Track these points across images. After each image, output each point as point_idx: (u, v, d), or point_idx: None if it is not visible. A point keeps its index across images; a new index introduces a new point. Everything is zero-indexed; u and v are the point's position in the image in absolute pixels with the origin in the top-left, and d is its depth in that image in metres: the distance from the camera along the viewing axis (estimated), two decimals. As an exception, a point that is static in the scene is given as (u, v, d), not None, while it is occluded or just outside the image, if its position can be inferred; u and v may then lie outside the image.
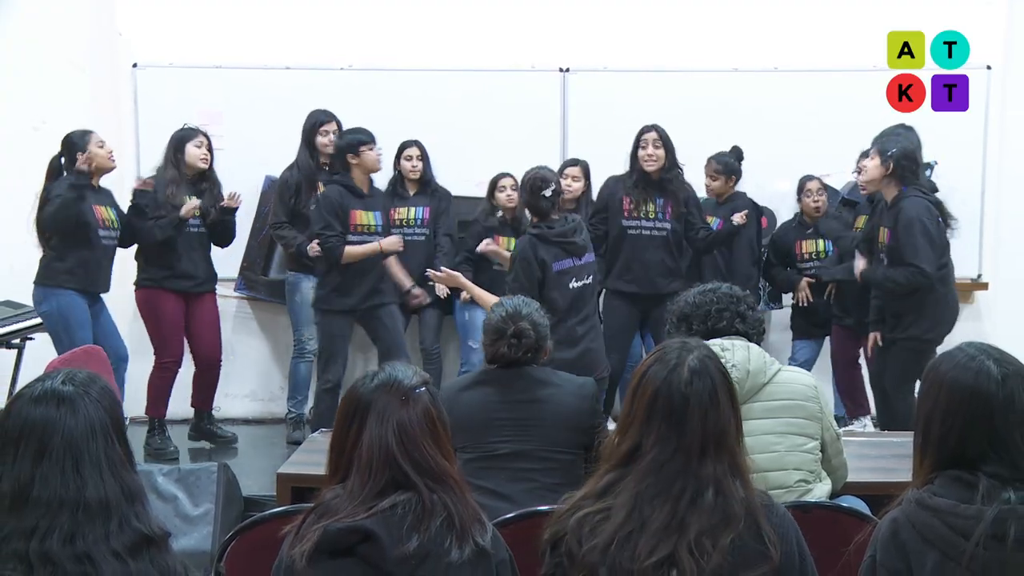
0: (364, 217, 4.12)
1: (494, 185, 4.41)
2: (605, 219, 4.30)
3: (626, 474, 1.60)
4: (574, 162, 4.52)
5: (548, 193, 3.54)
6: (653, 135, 4.19)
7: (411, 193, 4.54)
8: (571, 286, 3.55)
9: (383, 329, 4.24)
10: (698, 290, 2.45)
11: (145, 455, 4.22)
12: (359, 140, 4.09)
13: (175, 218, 4.10)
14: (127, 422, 4.20)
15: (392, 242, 4.14)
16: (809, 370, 4.32)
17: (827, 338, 4.52)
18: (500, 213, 4.42)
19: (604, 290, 4.29)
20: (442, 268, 3.97)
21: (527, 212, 3.73)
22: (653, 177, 4.21)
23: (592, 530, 1.55)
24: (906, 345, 3.80)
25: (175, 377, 4.33)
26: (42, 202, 3.94)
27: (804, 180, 4.46)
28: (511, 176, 4.38)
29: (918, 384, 3.80)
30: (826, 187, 4.46)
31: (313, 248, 4.11)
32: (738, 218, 4.27)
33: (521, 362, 2.52)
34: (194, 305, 4.30)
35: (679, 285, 4.09)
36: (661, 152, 4.18)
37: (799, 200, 4.50)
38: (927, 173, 4.18)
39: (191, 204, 4.13)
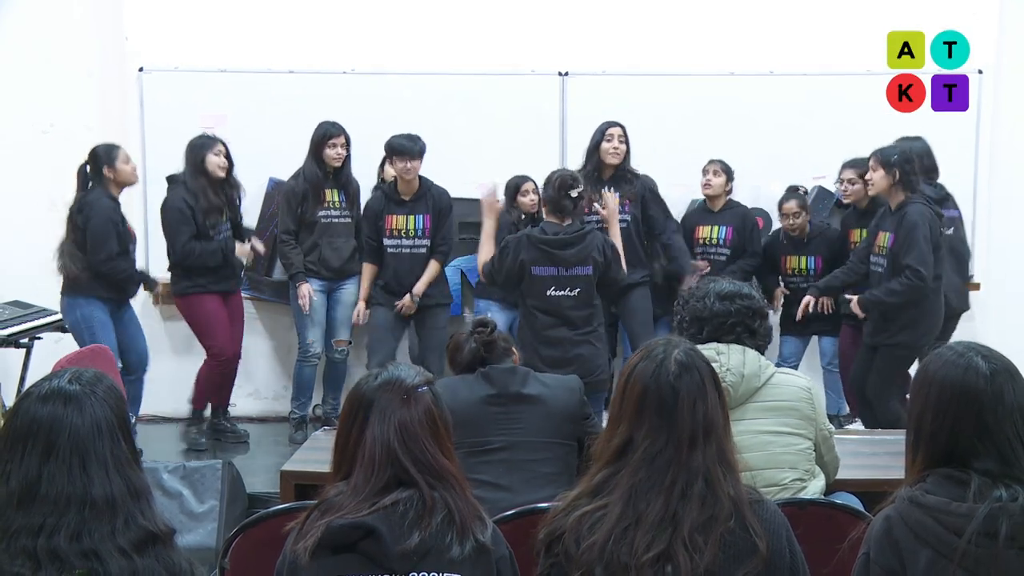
0: (398, 222, 4.25)
1: (516, 189, 4.43)
2: None
3: (619, 469, 1.61)
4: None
5: (574, 194, 3.57)
6: (619, 130, 4.26)
7: None
8: (549, 294, 3.57)
9: (426, 329, 4.36)
10: (718, 292, 2.42)
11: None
12: (390, 148, 4.23)
13: (228, 251, 4.26)
14: (134, 421, 4.29)
15: (360, 314, 4.37)
16: (797, 365, 4.37)
17: (814, 337, 4.55)
18: (523, 216, 4.45)
19: None
20: None
21: (545, 208, 3.75)
22: (609, 171, 4.26)
23: (590, 528, 1.57)
24: (892, 352, 3.84)
25: (224, 373, 4.42)
26: (76, 212, 4.03)
27: (782, 200, 4.43)
28: (532, 180, 4.42)
29: (901, 390, 3.84)
30: (806, 207, 4.44)
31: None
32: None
33: (492, 347, 2.58)
34: (228, 303, 4.41)
35: (640, 274, 4.20)
36: (624, 148, 4.26)
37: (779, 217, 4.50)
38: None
39: (246, 250, 4.36)
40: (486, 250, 3.77)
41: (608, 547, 1.54)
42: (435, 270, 4.33)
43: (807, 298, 4.26)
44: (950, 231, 4.18)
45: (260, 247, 4.56)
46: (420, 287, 4.29)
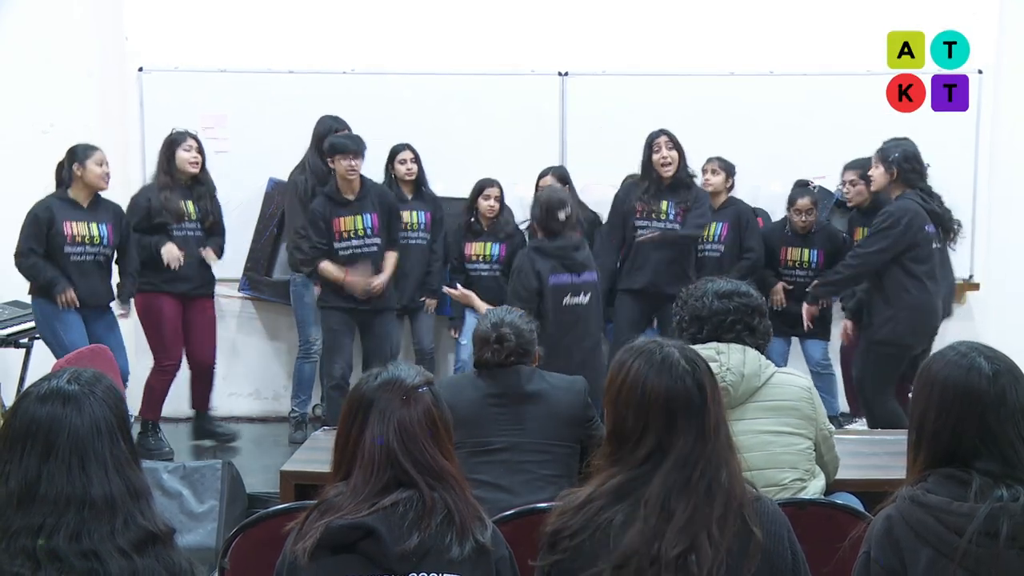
0: (347, 223, 4.18)
1: (479, 191, 4.45)
2: (621, 225, 4.33)
3: (644, 473, 1.60)
4: (546, 171, 4.53)
5: (562, 216, 3.57)
6: (665, 138, 4.24)
7: (409, 197, 4.57)
8: (565, 302, 3.57)
9: (371, 336, 4.30)
10: (716, 291, 2.42)
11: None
12: (332, 147, 4.15)
13: (150, 246, 4.13)
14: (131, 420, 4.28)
15: (354, 284, 4.16)
16: (783, 365, 4.37)
17: (795, 339, 4.54)
18: (474, 219, 4.45)
19: (617, 291, 4.33)
20: (457, 286, 4.10)
21: (537, 229, 3.76)
22: (667, 181, 4.25)
23: (621, 528, 1.55)
24: (880, 349, 3.84)
25: (173, 381, 4.36)
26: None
27: (795, 195, 4.44)
28: (497, 185, 4.44)
29: (900, 388, 3.85)
30: (818, 204, 4.44)
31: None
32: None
33: (506, 365, 2.58)
34: (191, 309, 4.33)
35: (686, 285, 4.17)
36: (675, 153, 4.25)
37: (788, 210, 4.49)
38: None
39: (173, 255, 4.14)
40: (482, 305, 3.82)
41: (640, 548, 1.53)
42: (395, 260, 4.28)
43: (809, 309, 4.27)
44: (959, 229, 4.18)
45: (211, 258, 4.36)
46: (387, 275, 4.23)
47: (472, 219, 4.47)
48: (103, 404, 1.50)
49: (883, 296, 3.82)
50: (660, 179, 4.25)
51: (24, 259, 3.93)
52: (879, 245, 3.75)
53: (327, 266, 4.20)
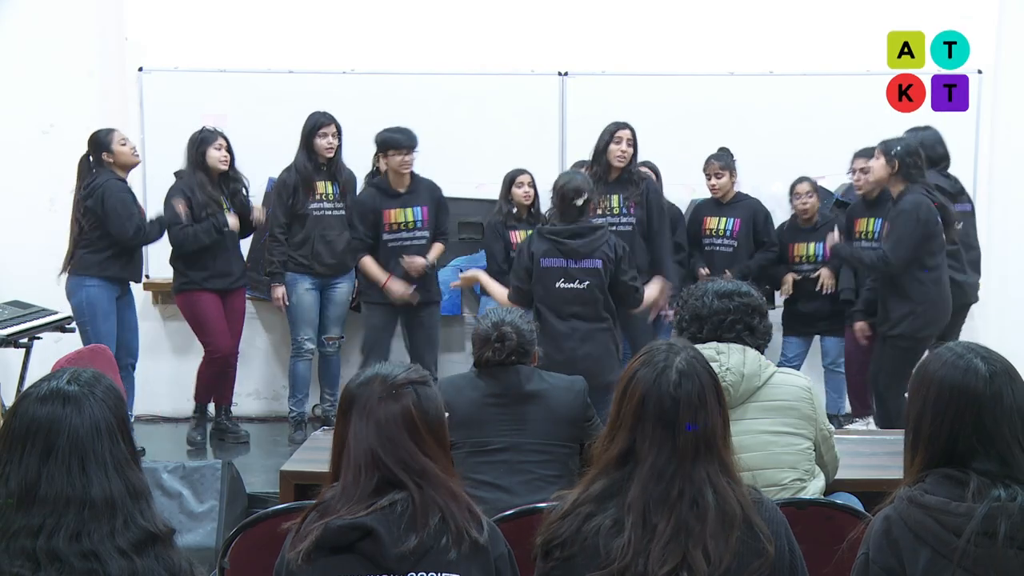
0: (398, 215, 4.23)
1: (512, 181, 4.45)
2: None
3: (622, 478, 1.60)
4: (582, 164, 4.55)
5: (579, 203, 3.59)
6: (628, 132, 4.23)
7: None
8: (557, 286, 3.57)
9: (420, 329, 4.34)
10: (716, 291, 2.43)
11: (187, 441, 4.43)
12: (384, 142, 4.21)
13: (220, 224, 4.20)
14: (132, 420, 4.32)
15: (395, 290, 4.23)
16: (800, 366, 4.37)
17: (816, 337, 4.55)
18: (515, 209, 4.45)
19: None
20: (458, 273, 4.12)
21: (554, 211, 3.77)
22: (614, 174, 4.24)
23: (607, 543, 1.55)
24: (895, 344, 3.85)
25: (224, 369, 4.42)
26: (85, 197, 4.03)
27: (795, 183, 4.48)
28: (528, 173, 4.44)
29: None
30: (818, 189, 4.47)
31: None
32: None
33: (506, 364, 2.58)
34: (227, 300, 4.39)
35: (642, 279, 4.16)
36: (631, 151, 4.24)
37: (791, 202, 4.52)
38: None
39: (233, 220, 4.26)
40: (498, 289, 3.86)
41: (627, 563, 1.53)
42: (440, 249, 4.35)
43: (825, 271, 4.31)
44: (959, 226, 4.15)
45: (260, 216, 4.49)
46: (433, 256, 4.29)
47: (512, 210, 4.45)
48: (103, 405, 1.50)
49: (898, 292, 3.82)
50: (609, 170, 4.24)
51: (142, 232, 4.10)
52: (902, 246, 3.72)
53: (368, 264, 4.25)
